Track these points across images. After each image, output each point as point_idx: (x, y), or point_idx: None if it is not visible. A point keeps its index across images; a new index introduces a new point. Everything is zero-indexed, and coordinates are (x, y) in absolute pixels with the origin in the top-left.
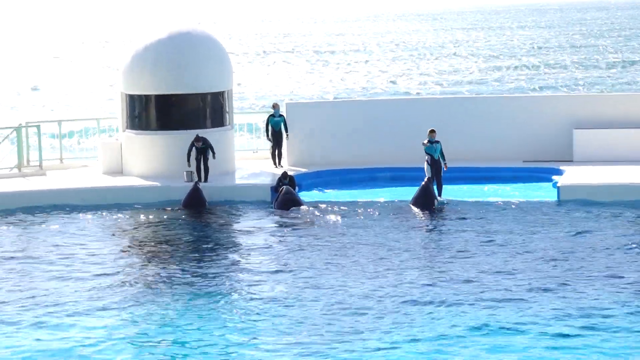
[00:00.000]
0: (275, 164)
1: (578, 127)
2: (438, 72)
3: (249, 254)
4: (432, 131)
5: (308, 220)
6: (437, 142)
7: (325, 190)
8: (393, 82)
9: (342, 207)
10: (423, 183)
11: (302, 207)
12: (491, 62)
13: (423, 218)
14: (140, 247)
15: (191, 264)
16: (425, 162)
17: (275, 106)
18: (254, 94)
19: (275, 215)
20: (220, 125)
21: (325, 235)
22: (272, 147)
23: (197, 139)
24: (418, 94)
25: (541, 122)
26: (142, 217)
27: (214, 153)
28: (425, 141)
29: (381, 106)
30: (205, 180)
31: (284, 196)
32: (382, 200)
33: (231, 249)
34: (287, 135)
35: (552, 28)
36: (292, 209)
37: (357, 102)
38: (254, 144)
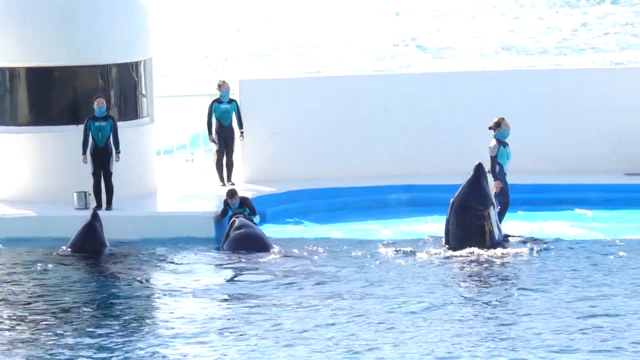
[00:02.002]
0: (222, 179)
1: None
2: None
3: (177, 328)
4: (502, 121)
5: (278, 272)
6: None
7: (305, 223)
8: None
9: (333, 250)
10: (470, 175)
11: (269, 250)
12: (565, 10)
13: (470, 268)
14: (7, 314)
15: (84, 338)
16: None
17: (222, 86)
18: (189, 65)
19: (224, 262)
20: (132, 116)
21: (305, 297)
22: (218, 151)
23: (98, 97)
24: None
25: None
26: (6, 265)
27: (117, 148)
28: (493, 144)
29: (394, 84)
30: (108, 206)
31: (236, 232)
32: (400, 234)
33: (147, 317)
34: (242, 132)
35: None
36: (251, 252)
37: (354, 78)
38: (187, 147)
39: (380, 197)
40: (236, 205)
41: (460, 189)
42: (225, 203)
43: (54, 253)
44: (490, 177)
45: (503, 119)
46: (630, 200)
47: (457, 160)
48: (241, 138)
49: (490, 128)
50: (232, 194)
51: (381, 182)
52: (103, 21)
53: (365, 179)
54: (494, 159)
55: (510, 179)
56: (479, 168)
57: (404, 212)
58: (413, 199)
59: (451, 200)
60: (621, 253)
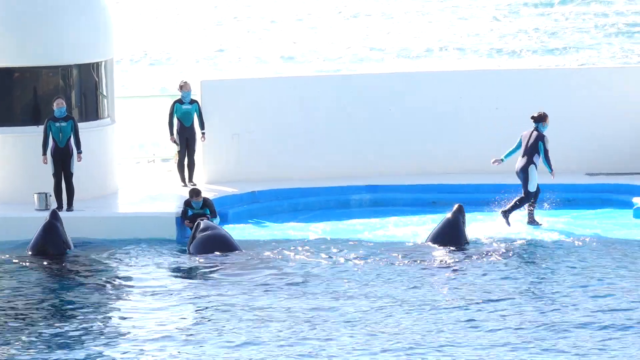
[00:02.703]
0: (183, 179)
1: None
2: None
3: (141, 330)
4: (547, 117)
5: (245, 274)
6: None
7: (267, 224)
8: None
9: (297, 250)
10: (449, 216)
11: (236, 251)
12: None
13: (434, 268)
14: None
15: (46, 340)
16: (533, 167)
17: (183, 87)
18: (151, 65)
19: (190, 263)
20: (93, 117)
21: (273, 299)
22: (180, 152)
23: (58, 98)
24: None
25: (616, 111)
26: None
27: (79, 148)
28: (538, 134)
29: (356, 85)
30: (69, 207)
31: (203, 235)
32: (363, 235)
33: (111, 319)
34: (204, 133)
35: None
36: (217, 254)
37: (316, 79)
38: (148, 148)
39: (343, 198)
40: (199, 205)
41: (437, 226)
42: (186, 203)
43: (15, 255)
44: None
45: (547, 115)
46: (591, 200)
47: (419, 161)
48: (202, 139)
49: (532, 118)
50: (196, 192)
51: (344, 182)
52: (64, 22)
53: (328, 179)
54: (545, 146)
55: (472, 180)
56: (460, 209)
57: (366, 213)
58: (376, 200)
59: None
60: (576, 259)
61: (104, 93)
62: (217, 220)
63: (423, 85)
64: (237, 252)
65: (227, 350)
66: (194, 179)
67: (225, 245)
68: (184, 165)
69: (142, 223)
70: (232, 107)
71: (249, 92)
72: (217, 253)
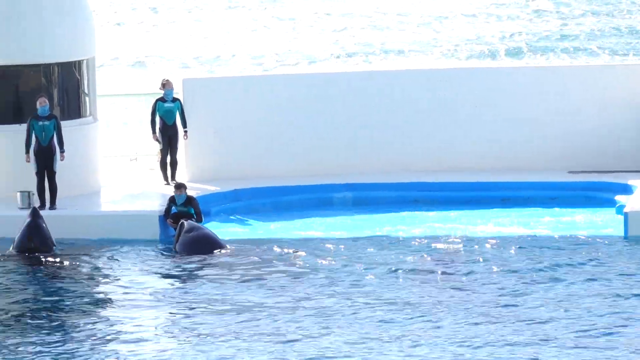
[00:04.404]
0: (166, 178)
1: None
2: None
3: (131, 330)
4: None
5: (233, 273)
6: None
7: (250, 222)
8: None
9: (282, 248)
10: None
11: (222, 249)
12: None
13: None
14: None
15: (35, 341)
16: None
17: (166, 85)
18: (133, 63)
19: (178, 264)
20: (76, 116)
21: (263, 297)
22: (162, 151)
23: (41, 97)
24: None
25: (597, 109)
26: None
27: (61, 147)
28: None
29: (337, 83)
30: (52, 205)
31: (188, 235)
32: (345, 233)
33: (98, 325)
34: (186, 131)
35: None
36: (204, 252)
37: (298, 77)
38: (131, 146)
39: (324, 196)
40: (182, 199)
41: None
42: (171, 200)
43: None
44: None
45: None
46: (574, 199)
47: (401, 159)
48: (185, 137)
49: None
50: (178, 186)
51: (329, 180)
52: (46, 20)
53: (313, 177)
54: None
55: (455, 178)
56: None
57: (350, 211)
58: (357, 198)
59: None
60: (557, 257)
61: (86, 91)
62: (202, 223)
63: (404, 83)
64: (223, 250)
65: (217, 350)
66: (177, 177)
67: (211, 244)
68: (166, 163)
69: (124, 221)
70: (214, 105)
71: (231, 90)
72: (204, 253)
